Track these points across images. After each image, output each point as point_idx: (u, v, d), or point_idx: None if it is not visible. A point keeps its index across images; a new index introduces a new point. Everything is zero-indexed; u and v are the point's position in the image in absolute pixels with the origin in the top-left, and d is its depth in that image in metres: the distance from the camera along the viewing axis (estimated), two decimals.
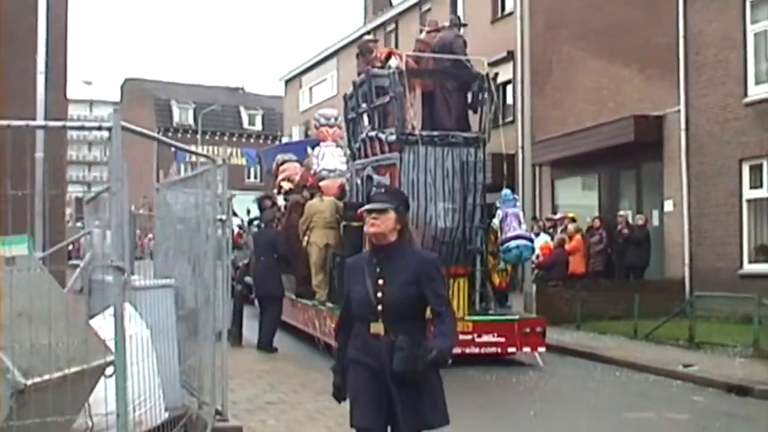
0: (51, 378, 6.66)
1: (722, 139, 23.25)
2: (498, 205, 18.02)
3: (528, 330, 16.99)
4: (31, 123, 7.88)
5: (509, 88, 34.04)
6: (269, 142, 77.67)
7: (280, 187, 23.93)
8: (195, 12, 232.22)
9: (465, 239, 17.27)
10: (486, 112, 17.52)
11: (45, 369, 6.84)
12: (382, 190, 6.56)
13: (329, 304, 17.88)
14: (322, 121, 23.41)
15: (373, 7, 49.52)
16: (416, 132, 17.14)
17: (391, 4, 47.53)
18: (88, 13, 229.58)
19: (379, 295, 6.25)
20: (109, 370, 7.60)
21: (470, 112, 18.18)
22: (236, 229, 25.52)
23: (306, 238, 19.21)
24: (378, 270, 6.34)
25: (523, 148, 27.61)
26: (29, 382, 6.44)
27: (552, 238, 25.92)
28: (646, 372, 16.26)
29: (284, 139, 60.91)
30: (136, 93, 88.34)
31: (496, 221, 17.92)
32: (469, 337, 16.50)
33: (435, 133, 17.34)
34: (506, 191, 18.41)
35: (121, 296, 7.29)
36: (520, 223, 17.73)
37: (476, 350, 16.67)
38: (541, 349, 17.19)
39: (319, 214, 19.13)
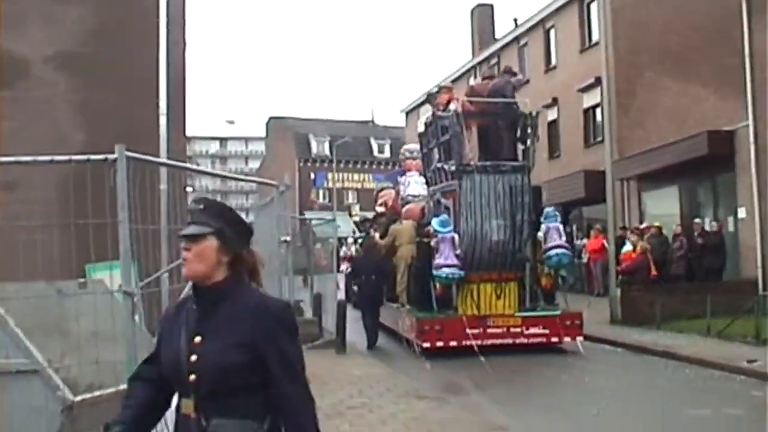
0: (102, 394, 6.56)
1: None
2: (542, 220, 19.53)
3: (568, 323, 18.47)
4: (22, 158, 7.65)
5: (597, 111, 33.38)
6: (397, 168, 77.85)
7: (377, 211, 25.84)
8: (328, 53, 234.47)
9: (515, 249, 18.83)
10: (530, 144, 19.42)
11: (111, 383, 6.77)
12: (201, 206, 3.91)
13: (407, 307, 20.07)
14: (407, 154, 25.10)
15: (479, 42, 49.14)
16: (471, 163, 18.87)
17: (494, 38, 47.12)
18: (233, 60, 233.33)
19: (193, 358, 3.76)
20: None
21: (519, 145, 19.68)
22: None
23: (393, 254, 21.29)
24: (196, 323, 3.85)
25: (611, 164, 27.48)
26: (77, 399, 6.34)
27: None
28: (713, 368, 15.56)
29: None
30: (279, 129, 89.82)
31: (540, 234, 19.34)
32: (518, 329, 18.23)
33: (488, 163, 18.98)
34: (548, 209, 20.54)
35: (130, 320, 7.01)
36: (560, 236, 19.33)
37: (525, 341, 18.20)
38: (580, 338, 18.43)
39: (401, 235, 21.31)
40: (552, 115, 38.40)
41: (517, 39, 42.25)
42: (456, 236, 18.52)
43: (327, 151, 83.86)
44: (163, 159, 17.69)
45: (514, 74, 22.21)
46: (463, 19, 53.03)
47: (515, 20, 43.57)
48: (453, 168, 18.99)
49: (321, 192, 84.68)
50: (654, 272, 23.89)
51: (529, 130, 19.46)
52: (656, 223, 27.21)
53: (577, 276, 32.41)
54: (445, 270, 18.16)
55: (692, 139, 26.51)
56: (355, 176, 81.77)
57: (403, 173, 25.07)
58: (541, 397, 13.68)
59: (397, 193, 24.73)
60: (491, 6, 51.93)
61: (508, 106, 19.81)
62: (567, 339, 18.43)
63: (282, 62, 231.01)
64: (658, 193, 30.60)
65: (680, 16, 31.39)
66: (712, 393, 13.64)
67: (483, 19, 50.47)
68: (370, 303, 20.53)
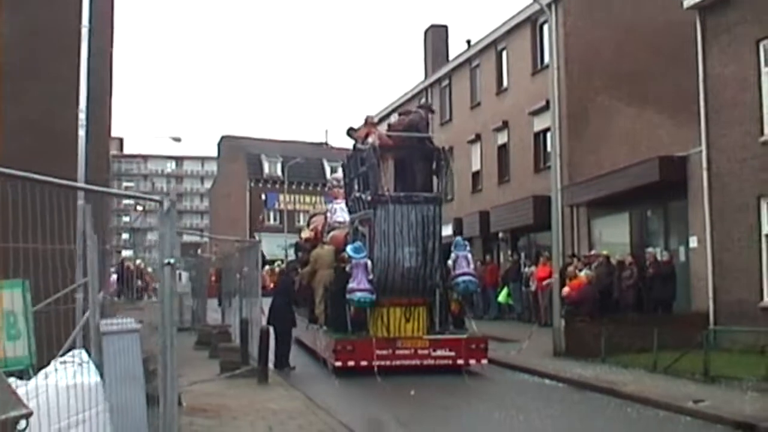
0: None
1: (741, 177, 21.45)
2: (452, 249, 20.53)
3: (473, 346, 19.41)
4: None
5: (548, 135, 32.53)
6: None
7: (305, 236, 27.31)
8: (283, 73, 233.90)
9: (426, 276, 19.91)
10: (443, 176, 20.92)
11: None
12: None
13: (324, 328, 20.99)
14: (334, 183, 26.87)
15: (433, 63, 48.24)
16: (386, 193, 20.01)
17: (447, 60, 46.26)
18: (189, 77, 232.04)
19: None
20: (21, 424, 6.37)
21: (434, 177, 20.98)
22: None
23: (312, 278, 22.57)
24: None
25: (560, 190, 26.76)
26: None
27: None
28: (658, 407, 14.59)
29: None
30: (231, 148, 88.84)
31: (450, 262, 20.22)
32: (426, 351, 19.21)
33: (401, 193, 20.19)
34: (458, 238, 22.21)
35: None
36: (468, 264, 20.42)
37: (432, 362, 19.13)
38: (484, 361, 19.41)
39: (321, 260, 22.43)
40: (502, 138, 37.56)
41: (469, 60, 41.39)
42: (369, 262, 19.46)
43: (279, 172, 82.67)
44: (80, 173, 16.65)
45: (431, 110, 24.38)
46: (418, 40, 51.95)
47: (468, 42, 42.71)
48: (369, 198, 20.19)
49: (272, 213, 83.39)
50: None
51: (441, 164, 20.84)
52: (604, 252, 26.38)
53: (525, 305, 31.44)
54: (358, 294, 19.11)
55: (643, 165, 25.70)
56: (307, 198, 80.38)
57: (331, 201, 26.36)
58: None
59: (326, 219, 25.69)
60: (445, 27, 51.07)
61: (422, 141, 21.27)
62: (472, 362, 19.30)
63: (238, 81, 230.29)
64: (608, 220, 29.77)
65: (634, 39, 30.83)
66: None
67: (437, 41, 49.58)
68: (277, 323, 20.11)
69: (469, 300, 22.64)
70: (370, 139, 20.95)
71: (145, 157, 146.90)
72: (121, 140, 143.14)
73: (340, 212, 23.96)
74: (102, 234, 14.32)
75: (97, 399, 8.31)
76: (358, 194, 21.32)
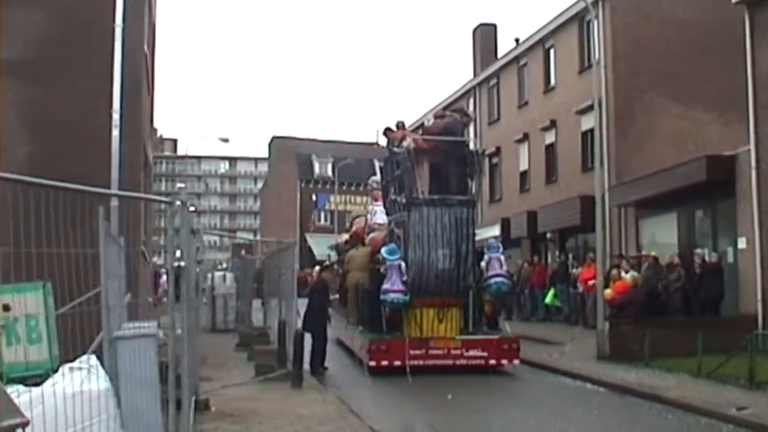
0: None
1: None
2: (485, 251, 20.88)
3: (506, 347, 19.62)
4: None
5: (595, 134, 31.97)
6: None
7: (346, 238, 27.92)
8: (333, 75, 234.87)
9: (459, 277, 20.04)
10: (477, 179, 21.10)
11: None
12: None
13: (360, 328, 21.27)
14: (374, 185, 26.83)
15: (482, 62, 47.76)
16: (420, 196, 20.25)
17: (496, 58, 45.79)
18: (235, 78, 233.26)
19: None
20: None
21: (468, 181, 21.13)
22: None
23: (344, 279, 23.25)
24: None
25: (607, 190, 26.44)
26: None
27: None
28: (700, 414, 14.09)
29: None
30: (281, 149, 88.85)
31: (483, 264, 20.59)
32: (458, 351, 19.46)
33: (436, 196, 20.40)
34: (491, 240, 23.14)
35: None
36: (501, 265, 20.62)
37: (465, 362, 19.39)
38: (516, 362, 19.61)
39: (354, 261, 23.03)
40: (550, 138, 37.05)
41: (516, 59, 40.95)
42: (403, 264, 19.81)
43: (330, 173, 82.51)
44: (114, 173, 16.53)
45: (466, 114, 24.28)
46: (468, 39, 51.42)
47: (516, 40, 42.19)
48: (404, 200, 20.50)
49: (323, 214, 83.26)
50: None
51: (475, 167, 21.04)
52: (653, 252, 25.78)
53: (572, 307, 30.87)
54: (391, 295, 19.44)
55: (690, 164, 25.11)
56: (358, 198, 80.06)
57: (372, 203, 26.58)
58: None
59: (366, 221, 25.85)
60: (494, 26, 50.67)
61: (457, 145, 21.46)
62: (504, 362, 19.56)
63: (290, 81, 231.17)
64: (656, 221, 29.19)
65: (683, 37, 30.21)
66: None
67: (485, 39, 49.12)
68: (310, 325, 19.49)
69: (501, 301, 22.88)
70: (405, 143, 21.18)
71: (199, 158, 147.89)
72: (175, 141, 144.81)
73: (379, 214, 24.03)
74: (131, 236, 14.14)
75: (107, 406, 8.12)
76: (393, 197, 21.65)
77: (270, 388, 16.54)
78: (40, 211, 7.44)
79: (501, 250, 21.36)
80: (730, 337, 18.26)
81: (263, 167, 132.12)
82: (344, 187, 77.41)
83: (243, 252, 55.48)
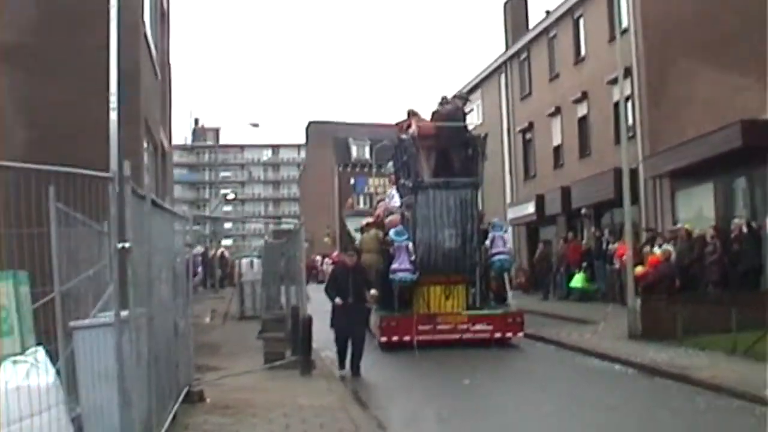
0: None
1: None
2: (489, 230, 21.94)
3: (510, 320, 20.52)
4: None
5: (628, 104, 30.76)
6: None
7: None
8: (366, 57, 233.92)
9: (465, 255, 21.11)
10: (479, 163, 22.05)
11: None
12: None
13: (375, 307, 20.65)
14: (392, 169, 27.03)
15: (513, 35, 46.49)
16: (425, 179, 21.47)
17: (527, 28, 44.61)
18: (271, 64, 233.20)
19: None
20: None
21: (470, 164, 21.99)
22: None
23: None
24: None
25: (642, 162, 25.35)
26: None
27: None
28: (732, 396, 12.97)
29: None
30: (318, 134, 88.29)
31: (488, 242, 21.44)
32: (465, 326, 20.34)
33: (440, 179, 21.51)
34: (495, 220, 24.09)
35: None
36: (504, 243, 21.74)
37: (471, 336, 20.24)
38: (520, 334, 20.60)
39: (365, 244, 23.64)
40: (582, 110, 35.82)
41: (546, 30, 39.72)
42: (410, 244, 20.73)
43: (367, 156, 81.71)
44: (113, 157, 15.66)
45: (467, 100, 26.53)
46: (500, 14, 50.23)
47: (547, 12, 40.93)
48: (410, 184, 21.63)
49: (362, 197, 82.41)
50: (677, 284, 21.29)
51: (477, 151, 22.10)
52: (685, 225, 24.56)
53: (608, 284, 29.70)
54: (399, 274, 20.45)
55: (725, 130, 23.79)
56: None
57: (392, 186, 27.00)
58: None
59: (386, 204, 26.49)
60: None
61: (459, 130, 22.45)
62: (509, 334, 20.44)
63: (324, 65, 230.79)
64: (693, 192, 27.87)
65: (715, 0, 28.71)
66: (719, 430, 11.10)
67: (516, 13, 47.71)
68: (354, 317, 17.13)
69: (509, 277, 23.57)
70: (410, 130, 22.25)
71: (242, 147, 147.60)
72: (217, 130, 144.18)
73: (397, 197, 24.55)
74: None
75: (56, 401, 7.44)
76: (403, 181, 22.93)
77: (278, 377, 15.78)
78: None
79: (504, 229, 22.73)
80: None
81: (305, 153, 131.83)
82: (382, 170, 76.45)
83: (286, 240, 54.92)
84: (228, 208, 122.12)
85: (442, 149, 22.32)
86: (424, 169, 21.78)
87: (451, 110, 22.78)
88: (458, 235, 21.02)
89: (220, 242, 60.77)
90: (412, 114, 23.28)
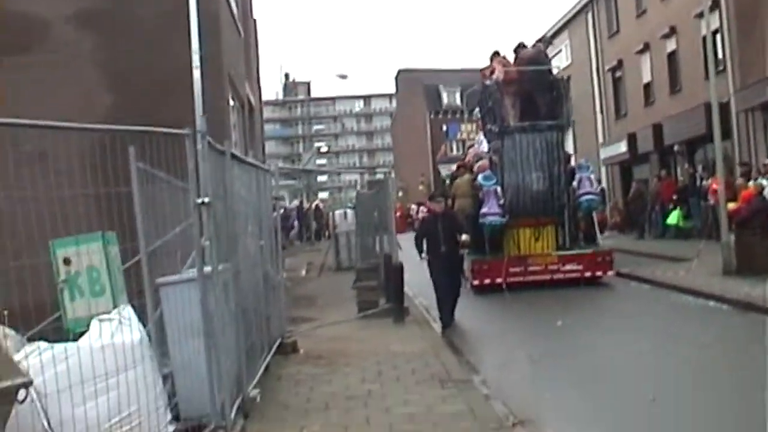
0: None
1: None
2: (576, 171, 21.97)
3: (600, 259, 20.81)
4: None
5: (717, 37, 30.00)
6: None
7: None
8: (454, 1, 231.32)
9: (553, 197, 21.26)
10: (564, 105, 22.00)
11: None
12: None
13: (467, 251, 19.59)
14: (479, 115, 27.11)
15: None
16: (510, 124, 21.63)
17: None
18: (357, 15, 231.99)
19: None
20: (21, 394, 5.94)
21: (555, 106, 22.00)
22: None
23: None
24: None
25: (733, 95, 24.76)
26: None
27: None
28: None
29: None
30: (408, 82, 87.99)
31: (575, 183, 21.51)
32: (555, 267, 20.71)
33: (526, 123, 21.62)
34: (582, 161, 24.46)
35: None
36: (591, 184, 21.70)
37: (562, 276, 20.56)
38: (610, 273, 20.77)
39: (458, 189, 23.67)
40: (671, 46, 35.09)
41: None
42: (499, 188, 21.02)
43: (458, 102, 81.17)
44: (199, 118, 15.91)
45: (550, 43, 26.87)
46: None
47: None
48: (497, 129, 21.77)
49: (455, 144, 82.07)
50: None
51: (561, 93, 22.08)
52: None
53: (703, 220, 29.21)
54: (489, 218, 20.72)
55: None
56: None
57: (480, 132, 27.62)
58: (600, 380, 11.19)
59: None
60: None
61: (543, 73, 22.37)
62: (599, 273, 20.65)
63: (409, 12, 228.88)
64: None
65: None
66: None
67: None
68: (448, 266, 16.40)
69: (592, 217, 23.18)
70: (494, 75, 22.34)
71: (333, 99, 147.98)
72: (308, 84, 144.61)
73: (485, 143, 24.68)
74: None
75: (142, 356, 7.63)
76: (489, 126, 22.99)
77: (371, 325, 15.98)
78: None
79: (591, 169, 22.51)
80: None
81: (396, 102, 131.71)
82: (472, 116, 75.89)
83: (377, 190, 55.12)
84: (322, 161, 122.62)
85: (527, 93, 22.34)
86: (510, 114, 21.93)
87: (534, 54, 22.80)
88: (545, 177, 21.14)
89: (316, 195, 61.31)
90: (496, 55, 23.32)
